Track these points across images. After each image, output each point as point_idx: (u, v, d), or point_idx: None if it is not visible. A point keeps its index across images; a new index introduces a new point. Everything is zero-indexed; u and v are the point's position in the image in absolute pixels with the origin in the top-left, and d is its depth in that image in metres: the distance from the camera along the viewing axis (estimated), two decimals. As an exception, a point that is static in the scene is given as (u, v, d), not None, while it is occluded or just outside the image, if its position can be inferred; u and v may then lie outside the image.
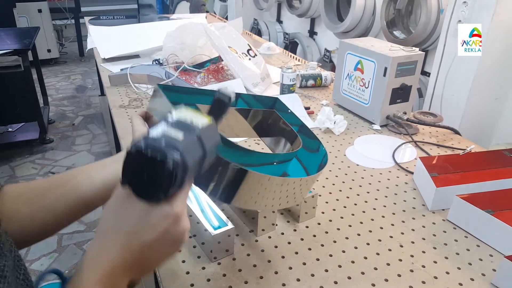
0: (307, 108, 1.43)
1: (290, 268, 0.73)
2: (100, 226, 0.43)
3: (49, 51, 4.88)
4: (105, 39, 2.17)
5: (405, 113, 1.31)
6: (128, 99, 1.49)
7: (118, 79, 1.62)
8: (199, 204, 0.80)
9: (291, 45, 3.27)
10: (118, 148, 2.74)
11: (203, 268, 0.72)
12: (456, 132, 1.30)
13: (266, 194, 0.61)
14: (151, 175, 0.39)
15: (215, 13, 4.30)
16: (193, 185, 0.49)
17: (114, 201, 0.43)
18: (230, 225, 0.74)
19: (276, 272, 0.72)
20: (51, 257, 1.97)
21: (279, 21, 3.68)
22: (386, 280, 0.71)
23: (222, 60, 1.59)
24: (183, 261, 0.73)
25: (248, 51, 1.63)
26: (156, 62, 1.77)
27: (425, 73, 2.16)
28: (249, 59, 1.60)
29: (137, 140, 0.39)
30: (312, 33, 3.19)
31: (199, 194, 0.82)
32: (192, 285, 0.68)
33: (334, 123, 1.30)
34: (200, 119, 0.44)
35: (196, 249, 0.77)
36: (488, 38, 1.56)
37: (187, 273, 0.71)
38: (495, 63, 1.67)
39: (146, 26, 2.44)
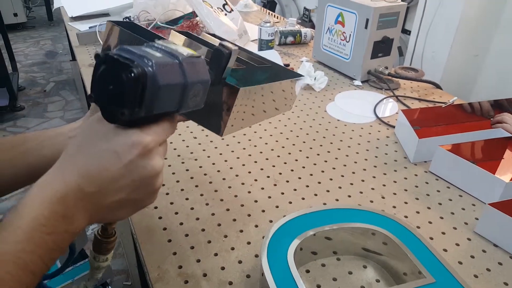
0: (286, 65, 1.38)
1: (271, 221, 0.70)
2: (64, 150, 0.38)
3: (15, 15, 4.60)
4: (72, -3, 2.04)
5: (386, 67, 1.28)
6: (98, 58, 1.41)
7: (87, 37, 1.52)
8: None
9: (269, 5, 3.17)
10: (92, 114, 2.65)
11: (181, 223, 0.69)
12: (438, 87, 1.28)
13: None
14: (116, 84, 0.34)
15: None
16: None
17: (85, 125, 0.39)
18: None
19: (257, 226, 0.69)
20: None
21: (257, -20, 3.55)
22: (369, 231, 0.69)
23: (197, 16, 1.51)
24: (160, 218, 0.70)
25: (223, 6, 1.55)
26: (127, 19, 1.67)
27: (405, 31, 2.12)
28: (225, 14, 1.52)
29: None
30: (291, -8, 3.08)
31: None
32: (169, 240, 0.65)
33: (315, 79, 1.26)
34: (186, 50, 0.39)
35: (174, 205, 0.73)
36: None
37: (164, 229, 0.67)
38: (476, 20, 1.64)
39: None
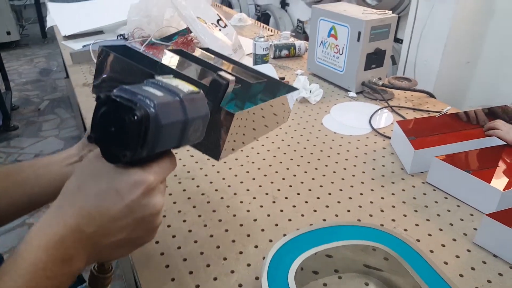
0: (282, 79, 1.39)
1: (271, 241, 0.70)
2: (63, 189, 0.37)
3: (8, 33, 4.60)
4: (65, 16, 2.05)
5: (380, 78, 1.29)
6: (92, 77, 1.41)
7: (81, 56, 1.53)
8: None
9: (263, 17, 3.20)
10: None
11: (179, 247, 0.68)
12: (431, 96, 1.29)
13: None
14: (118, 127, 0.34)
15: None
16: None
17: (84, 163, 0.39)
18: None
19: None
20: None
21: (249, -7, 3.58)
22: (369, 246, 0.69)
23: (191, 32, 1.52)
24: (157, 242, 0.69)
25: (218, 21, 1.56)
26: (121, 37, 1.68)
27: (398, 40, 2.15)
28: (219, 29, 1.53)
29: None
30: (284, 4, 3.12)
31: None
32: (167, 266, 0.64)
33: (310, 92, 1.26)
34: (186, 86, 0.39)
35: (171, 228, 0.73)
36: (459, 2, 1.55)
37: (162, 254, 0.67)
38: (466, 27, 1.66)
39: (109, 0, 2.31)
